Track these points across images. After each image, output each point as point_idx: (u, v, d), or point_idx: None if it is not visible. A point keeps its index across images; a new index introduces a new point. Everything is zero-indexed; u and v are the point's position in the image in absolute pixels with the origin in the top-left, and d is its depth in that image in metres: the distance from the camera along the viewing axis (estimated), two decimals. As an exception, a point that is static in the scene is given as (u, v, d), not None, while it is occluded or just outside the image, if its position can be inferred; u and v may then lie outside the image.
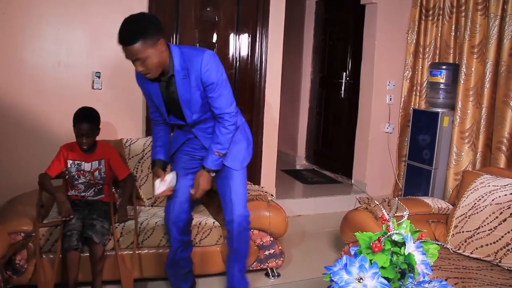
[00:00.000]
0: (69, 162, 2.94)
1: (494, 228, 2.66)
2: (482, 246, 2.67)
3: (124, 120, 3.87)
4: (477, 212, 2.75)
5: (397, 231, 1.54)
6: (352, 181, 5.38)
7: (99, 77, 3.74)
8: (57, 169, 2.95)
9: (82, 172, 2.96)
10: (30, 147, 3.61)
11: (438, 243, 1.65)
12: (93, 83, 3.74)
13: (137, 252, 2.95)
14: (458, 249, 2.76)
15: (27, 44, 3.55)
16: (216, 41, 4.24)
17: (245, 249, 2.79)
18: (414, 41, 4.81)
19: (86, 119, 2.89)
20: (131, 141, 3.51)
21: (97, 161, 2.99)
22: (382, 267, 1.47)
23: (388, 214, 1.62)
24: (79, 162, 2.95)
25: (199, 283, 3.13)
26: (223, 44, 4.28)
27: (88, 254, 2.80)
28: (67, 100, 3.64)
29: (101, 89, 3.76)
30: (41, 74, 3.61)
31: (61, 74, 3.65)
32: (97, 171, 2.99)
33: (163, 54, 2.38)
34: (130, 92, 3.87)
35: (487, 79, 3.98)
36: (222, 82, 2.46)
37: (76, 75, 3.69)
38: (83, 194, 3.01)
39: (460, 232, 2.79)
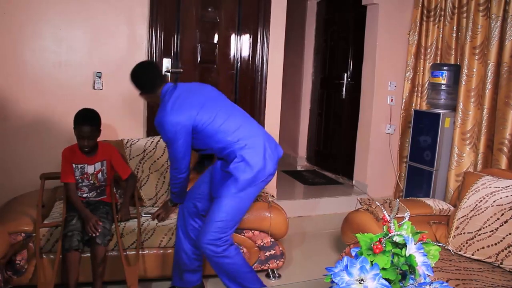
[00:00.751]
0: (73, 166, 2.93)
1: (495, 229, 2.65)
2: (483, 248, 2.66)
3: (125, 121, 3.87)
4: (479, 214, 2.75)
5: (398, 233, 1.54)
6: (353, 182, 5.37)
7: (100, 77, 3.74)
8: (72, 173, 2.92)
9: (86, 175, 2.95)
10: (31, 147, 3.60)
11: (439, 244, 1.65)
12: (94, 83, 3.74)
13: (139, 252, 2.95)
14: (459, 251, 2.76)
15: (28, 44, 3.55)
16: (217, 41, 4.24)
17: (231, 271, 2.63)
18: (416, 42, 4.81)
19: (87, 121, 2.86)
20: (132, 141, 3.51)
21: (99, 162, 2.98)
22: (383, 269, 1.47)
23: (389, 215, 1.61)
24: (82, 165, 2.93)
25: (207, 284, 3.13)
26: (224, 44, 4.28)
27: (88, 255, 2.80)
28: (68, 100, 3.64)
29: (102, 89, 3.76)
30: (42, 74, 3.61)
31: (62, 74, 3.65)
32: (100, 173, 2.99)
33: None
34: (131, 92, 3.84)
35: (489, 80, 3.97)
36: (168, 143, 2.64)
37: (77, 75, 3.69)
38: (85, 195, 3.00)
39: (461, 234, 2.78)
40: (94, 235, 2.72)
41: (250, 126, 2.70)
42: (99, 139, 3.01)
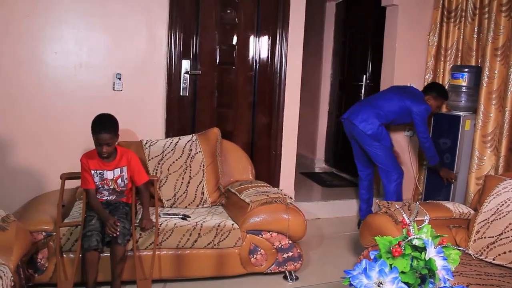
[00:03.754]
0: (92, 172, 2.93)
1: (517, 234, 2.61)
2: (505, 253, 2.62)
3: (145, 122, 3.90)
4: (500, 218, 2.71)
5: (418, 236, 1.53)
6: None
7: (119, 78, 3.77)
8: (92, 179, 2.93)
9: (105, 181, 2.95)
10: (52, 147, 3.65)
11: (459, 248, 1.63)
12: (114, 84, 3.77)
13: (156, 253, 2.97)
14: (480, 255, 2.72)
15: (49, 46, 3.60)
16: (236, 43, 4.25)
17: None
18: (436, 43, 4.76)
19: (105, 129, 2.83)
20: (151, 142, 3.54)
21: (119, 169, 2.97)
22: (402, 272, 1.46)
23: (408, 218, 1.60)
24: (101, 171, 2.94)
25: (216, 285, 3.14)
26: (243, 46, 4.29)
27: (107, 254, 2.83)
28: (88, 101, 3.68)
29: (121, 90, 3.80)
30: (63, 75, 3.65)
31: (82, 75, 3.70)
32: (120, 178, 2.99)
33: None
34: (150, 93, 3.90)
35: (511, 82, 3.91)
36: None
37: (97, 77, 3.74)
38: (105, 198, 3.03)
39: (482, 238, 2.74)
40: (114, 235, 2.75)
41: None
42: (118, 139, 3.02)
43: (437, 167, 4.31)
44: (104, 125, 2.87)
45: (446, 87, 4.66)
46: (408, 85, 4.63)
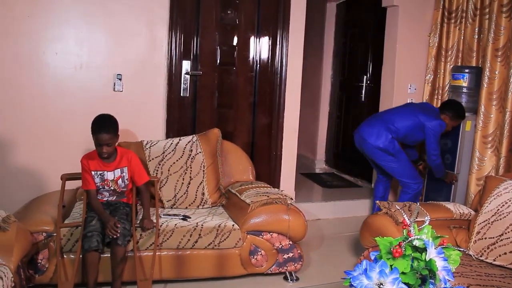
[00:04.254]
0: (92, 173, 2.93)
1: (518, 234, 2.61)
2: (505, 253, 2.62)
3: (145, 122, 3.90)
4: (501, 219, 2.71)
5: (418, 237, 1.52)
6: (372, 185, 5.33)
7: (120, 79, 3.77)
8: (92, 180, 2.93)
9: (106, 182, 2.96)
10: (52, 148, 3.65)
11: (460, 249, 1.63)
12: (114, 85, 3.77)
13: (156, 253, 2.97)
14: (481, 256, 2.72)
15: (50, 46, 3.60)
16: (236, 44, 4.25)
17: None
18: (436, 44, 4.76)
19: (105, 129, 2.84)
20: (152, 143, 3.54)
21: (119, 169, 2.97)
22: (403, 273, 1.46)
23: (409, 219, 1.60)
24: (101, 172, 2.94)
25: (216, 286, 3.14)
26: (244, 47, 4.28)
27: (108, 255, 2.83)
28: (88, 102, 3.68)
29: (122, 91, 3.79)
30: (63, 76, 3.65)
31: (83, 76, 3.70)
32: (121, 179, 2.99)
33: None
34: (151, 94, 3.90)
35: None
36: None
37: (97, 77, 3.74)
38: (106, 199, 3.03)
39: (482, 239, 2.74)
40: (114, 236, 2.75)
41: None
42: (119, 139, 3.03)
43: (443, 177, 4.28)
44: (104, 125, 2.87)
45: (447, 87, 4.65)
46: (423, 101, 4.59)
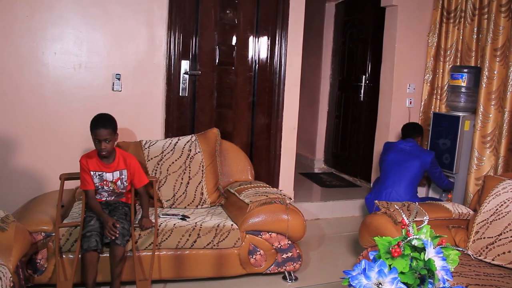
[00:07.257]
0: (91, 173, 2.94)
1: (516, 234, 2.61)
2: (504, 253, 2.63)
3: (144, 122, 3.90)
4: (499, 218, 2.71)
5: (417, 236, 1.53)
6: (371, 185, 5.33)
7: (119, 79, 3.77)
8: (91, 180, 2.94)
9: (105, 182, 2.96)
10: (51, 148, 3.65)
11: (458, 249, 1.63)
12: (113, 85, 3.77)
13: (155, 253, 2.97)
14: (479, 256, 2.72)
15: (49, 46, 3.59)
16: (235, 43, 4.25)
17: None
18: (435, 43, 4.76)
19: (103, 124, 2.85)
20: (150, 142, 3.54)
21: (118, 172, 2.97)
22: (402, 272, 1.46)
23: (407, 219, 1.60)
24: (100, 172, 2.94)
25: (215, 286, 3.14)
26: (243, 46, 4.29)
27: (107, 255, 2.83)
28: (87, 101, 3.68)
29: (121, 91, 3.79)
30: (62, 76, 3.65)
31: (82, 76, 3.69)
32: (119, 181, 2.99)
33: None
34: (150, 93, 3.90)
35: (510, 83, 3.91)
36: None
37: (96, 77, 3.73)
38: (104, 199, 3.03)
39: (481, 238, 2.74)
40: (113, 237, 2.74)
41: None
42: (118, 139, 3.03)
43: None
44: (103, 121, 2.88)
45: (446, 87, 4.66)
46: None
